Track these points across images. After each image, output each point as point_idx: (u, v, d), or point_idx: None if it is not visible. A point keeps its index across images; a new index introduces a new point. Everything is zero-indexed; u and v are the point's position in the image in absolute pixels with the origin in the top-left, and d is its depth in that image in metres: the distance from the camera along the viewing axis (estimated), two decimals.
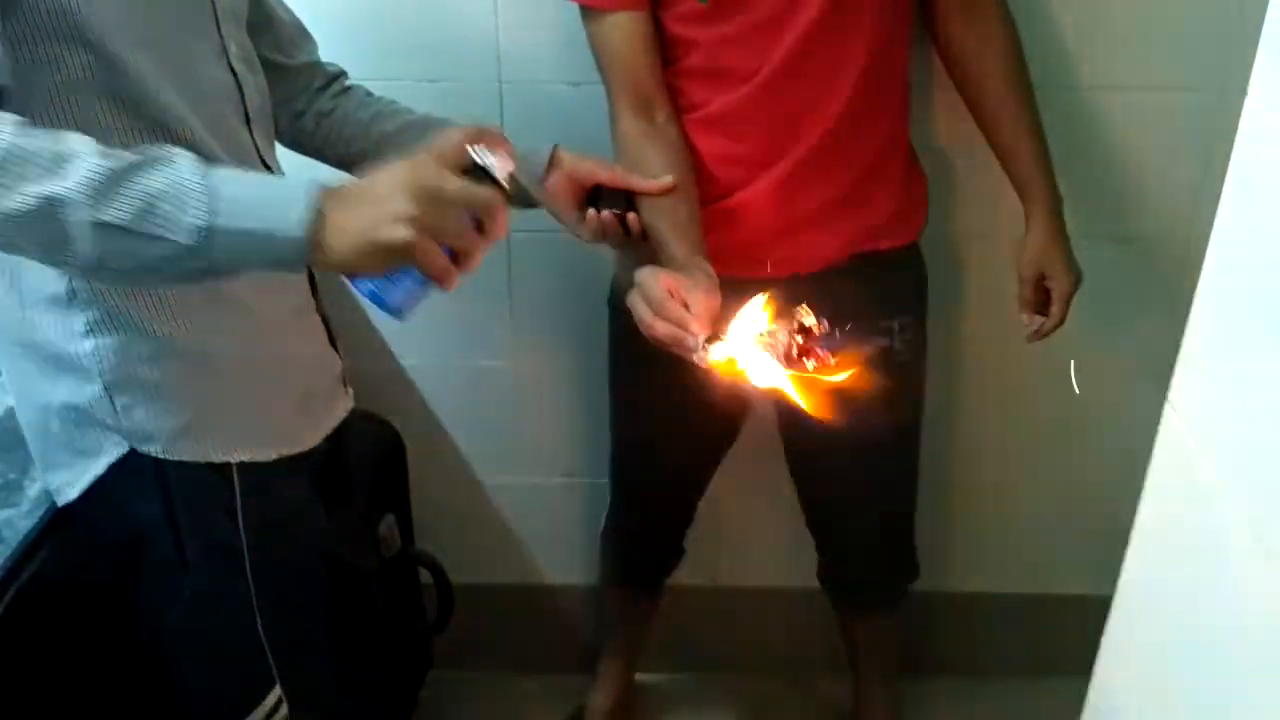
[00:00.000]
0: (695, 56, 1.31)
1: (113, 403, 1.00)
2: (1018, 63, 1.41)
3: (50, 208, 0.77)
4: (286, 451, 1.12)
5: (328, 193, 0.83)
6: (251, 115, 1.08)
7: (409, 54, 1.53)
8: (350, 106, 1.24)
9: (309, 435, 1.16)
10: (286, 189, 0.83)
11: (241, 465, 1.07)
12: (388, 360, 1.76)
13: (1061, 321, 1.47)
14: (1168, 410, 0.78)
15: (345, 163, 1.24)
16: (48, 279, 0.96)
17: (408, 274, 0.88)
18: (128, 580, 1.08)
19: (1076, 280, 1.47)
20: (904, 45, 1.38)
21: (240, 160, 1.04)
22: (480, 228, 0.87)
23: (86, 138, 0.81)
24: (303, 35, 1.24)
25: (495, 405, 1.80)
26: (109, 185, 0.79)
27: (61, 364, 0.99)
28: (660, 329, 1.08)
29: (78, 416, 1.01)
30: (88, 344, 0.98)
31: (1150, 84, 1.53)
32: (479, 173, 0.92)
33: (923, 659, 1.90)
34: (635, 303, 1.10)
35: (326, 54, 1.28)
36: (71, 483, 1.04)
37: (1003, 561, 1.91)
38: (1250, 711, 0.66)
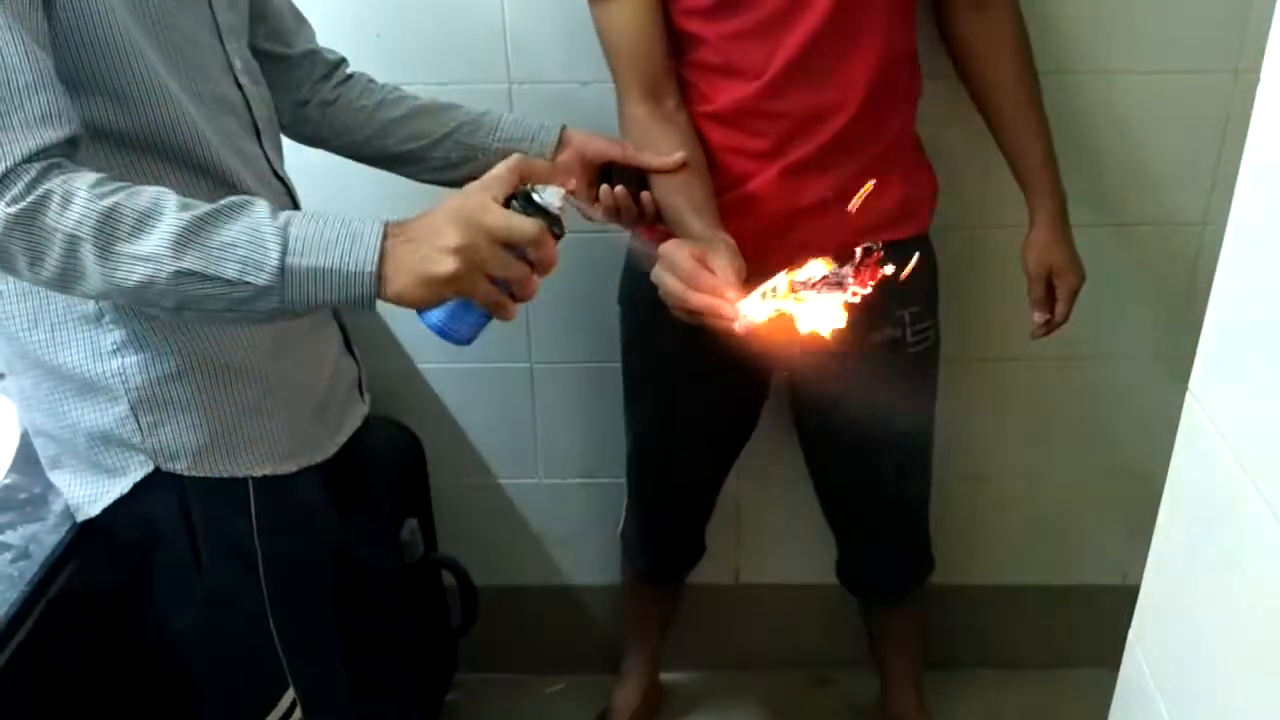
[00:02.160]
0: (703, 52, 1.31)
1: (139, 421, 1.01)
2: (1026, 61, 1.41)
3: (139, 265, 0.83)
4: (305, 463, 1.12)
5: (392, 228, 0.87)
6: (260, 128, 1.09)
7: (418, 57, 1.54)
8: (354, 94, 1.24)
9: (327, 443, 1.17)
10: (356, 227, 0.87)
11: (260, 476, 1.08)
12: (405, 365, 1.77)
13: (1067, 318, 1.48)
14: (1189, 399, 0.78)
15: (350, 150, 1.25)
16: (77, 299, 0.97)
17: (467, 308, 0.92)
18: (143, 580, 1.08)
19: (1081, 277, 1.47)
20: (913, 40, 1.37)
21: (253, 172, 1.05)
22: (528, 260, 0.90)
23: (163, 190, 0.86)
24: (299, 22, 1.24)
25: (513, 407, 1.80)
26: (190, 232, 0.84)
27: (89, 384, 1.00)
28: (695, 300, 1.06)
29: (104, 436, 1.02)
30: (114, 363, 0.99)
31: (1163, 67, 1.52)
32: (528, 202, 0.93)
33: (948, 652, 1.89)
34: (663, 278, 1.09)
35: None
36: (95, 500, 1.05)
37: (1026, 553, 1.90)
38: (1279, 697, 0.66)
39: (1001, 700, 1.91)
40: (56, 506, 1.10)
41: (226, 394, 1.04)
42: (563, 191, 0.95)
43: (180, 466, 1.03)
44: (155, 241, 0.83)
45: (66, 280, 0.84)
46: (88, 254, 0.83)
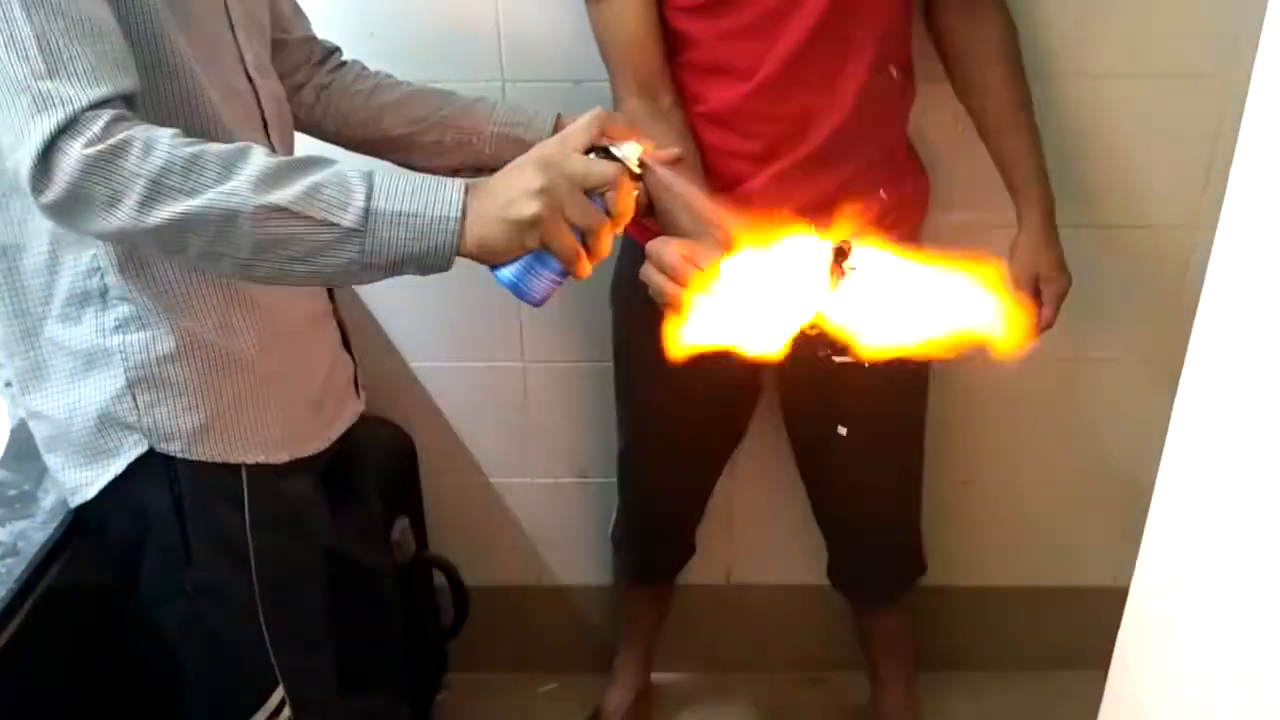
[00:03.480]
0: (695, 51, 1.31)
1: (135, 400, 1.02)
2: (1015, 65, 1.41)
3: (222, 201, 0.83)
4: (297, 453, 1.13)
5: (471, 184, 0.89)
6: (269, 121, 1.10)
7: (412, 54, 1.53)
8: (349, 79, 1.25)
9: (320, 437, 1.18)
10: (438, 179, 0.88)
11: (252, 465, 1.08)
12: (398, 364, 1.77)
13: (1053, 322, 1.48)
14: (1178, 402, 0.78)
15: (345, 134, 1.25)
16: (82, 275, 0.99)
17: (544, 264, 0.92)
18: (132, 573, 1.09)
19: (1068, 281, 1.47)
20: (908, 45, 1.38)
21: None
22: (606, 211, 0.91)
23: (257, 145, 0.87)
24: (297, 11, 1.26)
25: (505, 407, 1.80)
26: (278, 175, 0.85)
27: (91, 360, 1.01)
28: (683, 296, 1.06)
29: (100, 414, 1.03)
30: (116, 339, 1.01)
31: (1155, 70, 1.53)
32: (607, 155, 0.95)
33: (939, 653, 1.90)
34: (650, 275, 1.09)
35: None
36: (90, 482, 1.05)
37: (1017, 554, 1.90)
38: (1270, 699, 0.66)
39: (992, 701, 1.91)
40: (46, 503, 1.10)
41: (223, 379, 1.05)
42: (640, 148, 0.98)
43: (174, 448, 1.04)
44: (243, 178, 0.83)
45: (144, 224, 0.84)
46: (171, 196, 0.83)
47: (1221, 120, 1.54)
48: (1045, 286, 1.46)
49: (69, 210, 0.84)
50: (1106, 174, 1.60)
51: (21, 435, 1.17)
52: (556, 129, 1.26)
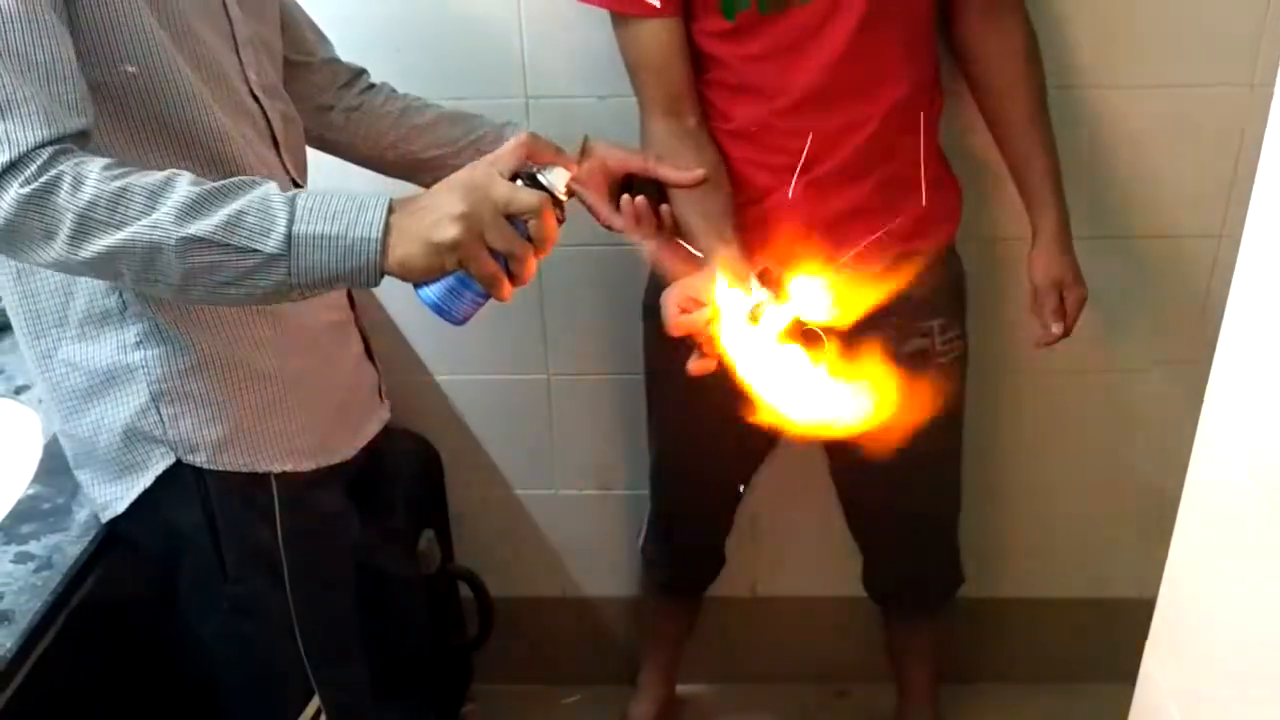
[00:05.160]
0: (722, 72, 1.32)
1: (160, 413, 1.03)
2: (1033, 71, 1.41)
3: (146, 234, 0.84)
4: (325, 462, 1.14)
5: (396, 201, 0.89)
6: (279, 140, 1.10)
7: (436, 72, 1.55)
8: (378, 101, 1.26)
9: (346, 446, 1.18)
10: (361, 198, 0.88)
11: (280, 475, 1.09)
12: (423, 376, 1.78)
13: (1070, 331, 1.47)
14: (1204, 412, 0.78)
15: (374, 156, 1.26)
16: (99, 294, 1.00)
17: (466, 285, 0.92)
18: (169, 589, 1.10)
19: (1085, 291, 1.47)
20: (934, 60, 1.37)
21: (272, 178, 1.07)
22: (529, 238, 0.91)
23: (183, 172, 0.87)
24: (319, 36, 1.27)
25: (531, 419, 1.81)
26: (199, 204, 0.85)
27: (112, 378, 1.03)
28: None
29: (126, 430, 1.04)
30: (137, 355, 1.02)
31: (1179, 81, 1.52)
32: (532, 182, 0.95)
33: (966, 665, 1.89)
34: (669, 320, 1.14)
35: None
36: (120, 497, 1.07)
37: (1045, 566, 1.89)
38: None
39: (1018, 714, 1.90)
40: (80, 517, 1.11)
41: (245, 390, 1.06)
42: (567, 175, 0.97)
43: (200, 459, 1.05)
44: (166, 209, 0.84)
45: (76, 257, 0.85)
46: (99, 229, 0.84)
47: (1245, 130, 1.53)
48: (1068, 294, 1.46)
49: (9, 245, 0.86)
50: (1132, 185, 1.59)
51: (54, 450, 1.19)
52: (584, 151, 1.27)
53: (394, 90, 1.29)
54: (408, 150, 1.24)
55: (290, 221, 0.86)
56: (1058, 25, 1.47)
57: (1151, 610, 0.88)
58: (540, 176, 0.95)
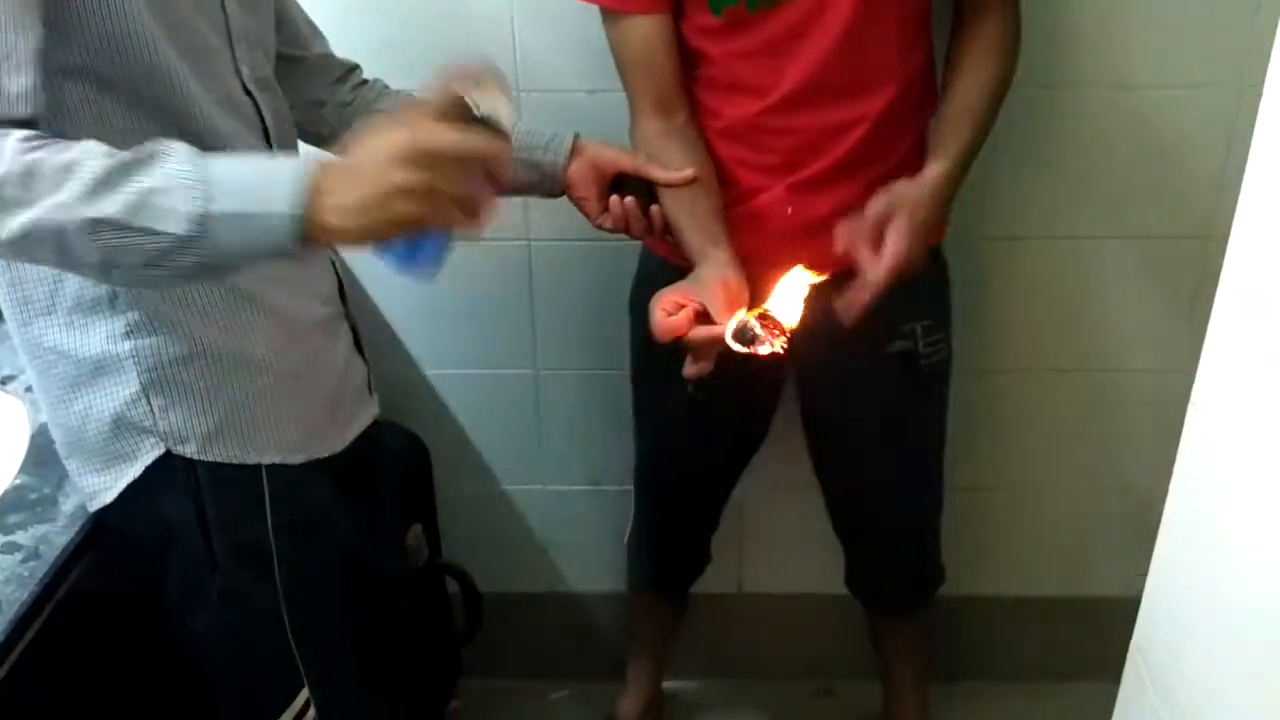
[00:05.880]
0: (711, 69, 1.32)
1: (150, 404, 1.03)
2: (1001, 78, 1.32)
3: (52, 214, 0.80)
4: (314, 454, 1.14)
5: (322, 168, 0.82)
6: (271, 133, 1.10)
7: (426, 65, 1.54)
8: (370, 96, 1.26)
9: (336, 439, 1.18)
10: (278, 169, 0.83)
11: (270, 467, 1.09)
12: (412, 370, 1.78)
13: (878, 290, 1.19)
14: (1191, 411, 0.78)
15: None
16: (89, 283, 0.99)
17: (425, 237, 0.85)
18: (158, 580, 1.10)
19: (908, 263, 1.21)
20: (928, 58, 1.37)
21: None
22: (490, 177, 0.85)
23: (95, 144, 0.82)
24: (313, 31, 1.27)
25: (519, 414, 1.81)
26: (104, 184, 0.80)
27: (101, 367, 1.02)
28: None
29: (115, 419, 1.03)
30: (127, 345, 1.01)
31: (1168, 81, 1.53)
32: (470, 117, 0.88)
33: (951, 663, 1.89)
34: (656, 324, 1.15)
35: None
36: (109, 486, 1.06)
37: (1031, 564, 1.90)
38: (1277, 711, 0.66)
39: (1005, 713, 1.91)
40: (66, 507, 1.11)
41: (235, 381, 1.06)
42: (507, 100, 0.90)
43: (190, 450, 1.04)
44: (71, 189, 0.80)
45: None
46: (9, 208, 0.80)
47: (1234, 128, 1.54)
48: (891, 236, 1.21)
49: None
50: (1120, 183, 1.60)
51: (42, 440, 1.18)
52: (575, 150, 1.26)
53: (386, 86, 1.28)
54: None
55: (201, 199, 0.80)
56: (1047, 23, 1.47)
57: (1136, 608, 0.89)
58: (479, 112, 0.87)
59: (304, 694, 1.13)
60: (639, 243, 1.48)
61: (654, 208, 1.27)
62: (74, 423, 1.05)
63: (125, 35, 0.92)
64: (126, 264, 0.83)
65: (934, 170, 1.27)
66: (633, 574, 1.83)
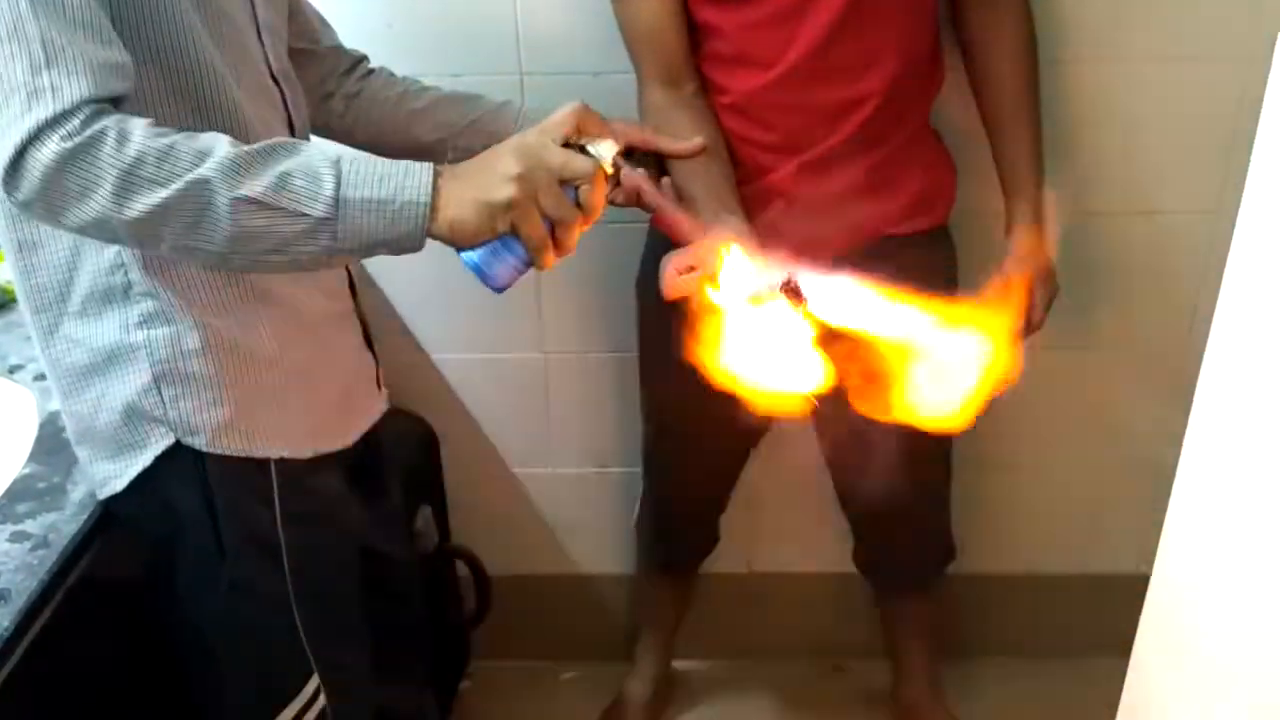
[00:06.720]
0: (718, 42, 1.31)
1: (161, 394, 1.03)
2: (1027, 59, 1.39)
3: (195, 190, 0.84)
4: (324, 449, 1.14)
5: (442, 168, 0.91)
6: (294, 124, 1.11)
7: (429, 48, 1.54)
8: (377, 86, 1.26)
9: (346, 433, 1.19)
10: (407, 164, 0.90)
11: (279, 461, 1.09)
12: (420, 355, 1.78)
13: (1042, 324, 1.45)
14: (1199, 389, 0.78)
15: (375, 141, 1.25)
16: (103, 273, 1.00)
17: (510, 250, 0.94)
18: (167, 569, 1.10)
19: (1057, 286, 1.45)
20: (933, 35, 1.37)
21: None
22: (579, 205, 0.93)
23: (221, 134, 0.87)
24: (324, 22, 1.27)
25: (527, 397, 1.81)
26: (247, 165, 0.85)
27: (114, 356, 1.03)
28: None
29: (126, 408, 1.04)
30: (140, 335, 1.02)
31: (1174, 55, 1.51)
32: (581, 153, 0.97)
33: (963, 640, 1.90)
34: (666, 282, 1.14)
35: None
36: (119, 475, 1.07)
37: (1042, 541, 1.90)
38: None
39: (1015, 689, 1.91)
40: (75, 496, 1.11)
41: (247, 374, 1.06)
42: (616, 147, 0.99)
43: (199, 441, 1.05)
44: (214, 168, 0.84)
45: (121, 215, 0.83)
46: (146, 186, 0.83)
47: (1241, 105, 1.53)
48: (1040, 289, 1.43)
49: (45, 203, 0.84)
50: (1128, 160, 1.59)
51: (51, 429, 1.19)
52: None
53: (392, 74, 1.28)
54: (408, 136, 1.24)
55: (338, 184, 0.86)
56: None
57: (1146, 585, 0.89)
58: (590, 147, 0.97)
59: (314, 681, 1.14)
60: (645, 226, 1.47)
61: (665, 179, 1.27)
62: (86, 410, 1.06)
63: (164, 23, 0.93)
64: (253, 248, 0.87)
65: (1026, 220, 1.42)
66: (640, 555, 1.83)
